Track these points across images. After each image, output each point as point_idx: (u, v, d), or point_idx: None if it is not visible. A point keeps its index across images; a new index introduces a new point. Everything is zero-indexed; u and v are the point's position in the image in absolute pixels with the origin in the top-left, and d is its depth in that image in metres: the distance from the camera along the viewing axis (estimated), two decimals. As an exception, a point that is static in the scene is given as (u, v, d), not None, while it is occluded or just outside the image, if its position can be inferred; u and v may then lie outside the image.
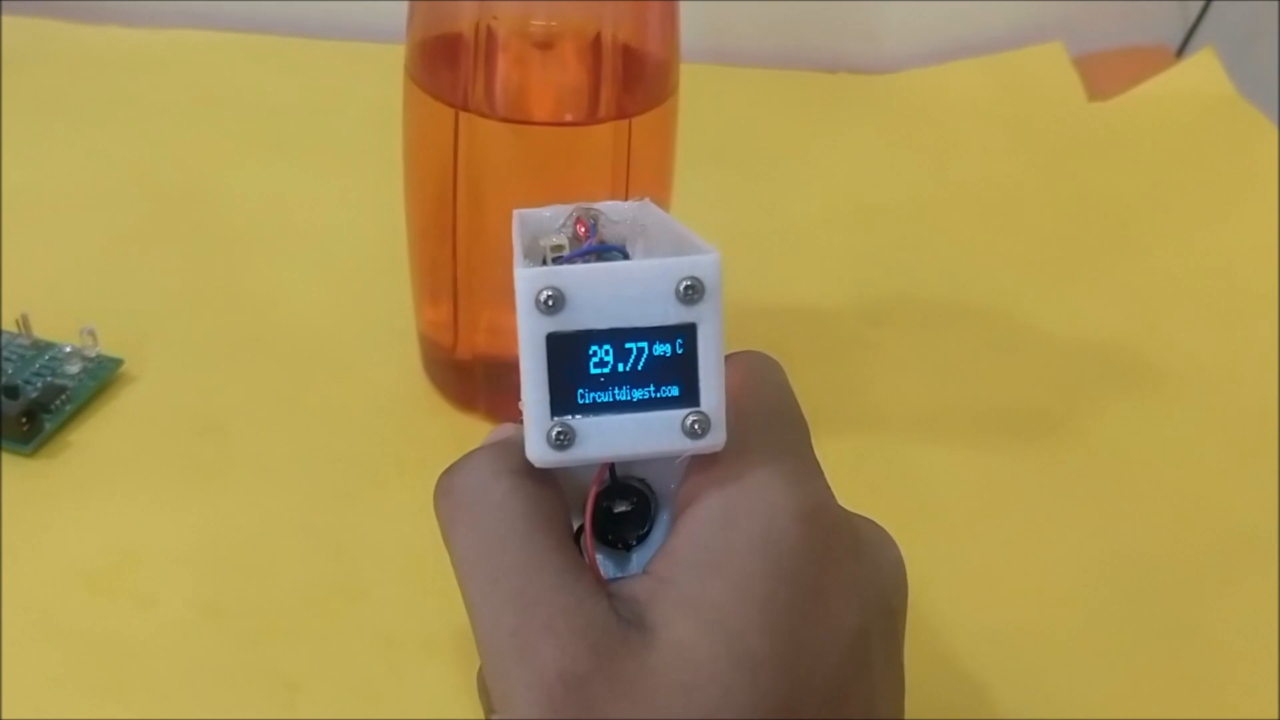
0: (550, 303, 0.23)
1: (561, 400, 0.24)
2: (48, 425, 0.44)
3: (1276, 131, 0.72)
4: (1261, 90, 0.75)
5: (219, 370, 0.49)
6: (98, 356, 0.47)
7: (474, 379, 0.47)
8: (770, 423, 0.26)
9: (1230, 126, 0.73)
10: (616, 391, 0.24)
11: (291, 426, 0.47)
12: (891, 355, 0.54)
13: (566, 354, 0.23)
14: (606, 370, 0.24)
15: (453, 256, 0.44)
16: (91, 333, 0.47)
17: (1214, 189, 0.68)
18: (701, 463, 0.25)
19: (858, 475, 0.46)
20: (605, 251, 0.27)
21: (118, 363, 0.48)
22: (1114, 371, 0.54)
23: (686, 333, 0.23)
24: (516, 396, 0.24)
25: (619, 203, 0.27)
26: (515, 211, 0.27)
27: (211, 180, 0.61)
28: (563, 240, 0.27)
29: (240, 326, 0.51)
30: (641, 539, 0.26)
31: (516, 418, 0.25)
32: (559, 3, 0.42)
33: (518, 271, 0.23)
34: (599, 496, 0.25)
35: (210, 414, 0.47)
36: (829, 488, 0.26)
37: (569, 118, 0.43)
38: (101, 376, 0.47)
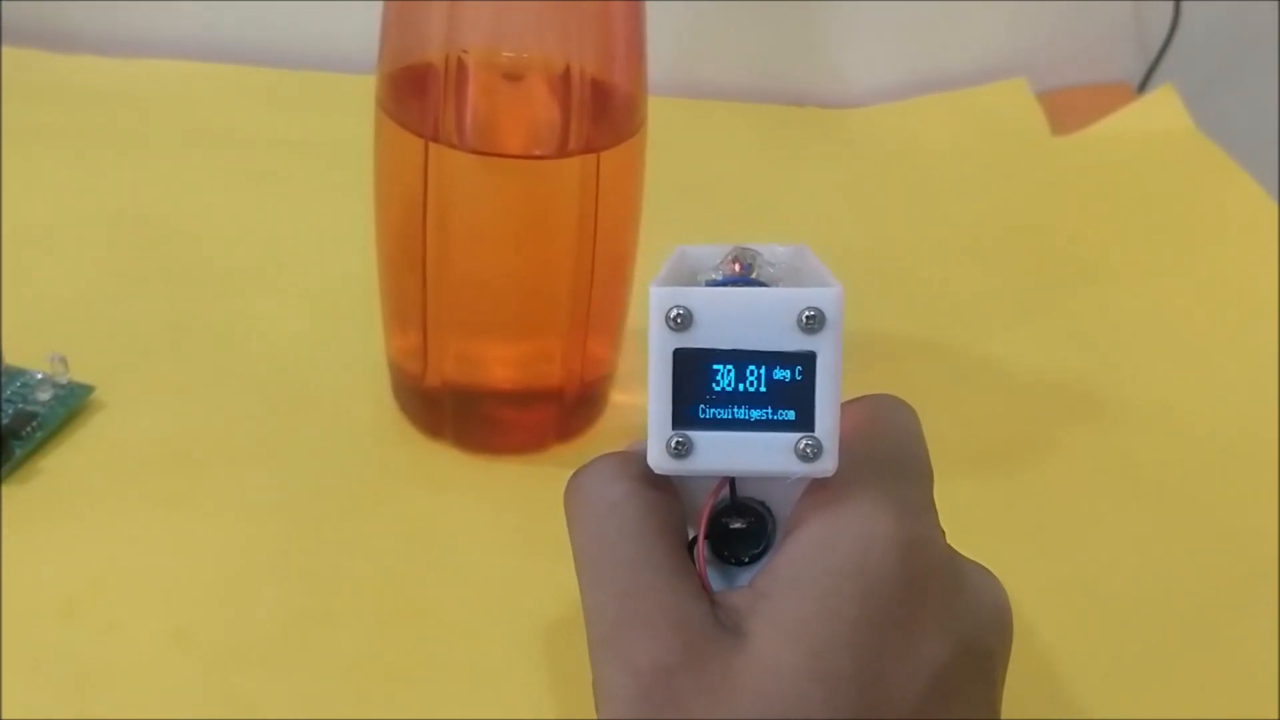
0: (679, 320, 0.25)
1: (683, 413, 0.25)
2: (18, 452, 0.45)
3: (1232, 165, 0.73)
4: (1218, 125, 0.77)
5: (189, 398, 0.49)
6: (69, 384, 0.47)
7: (442, 407, 0.47)
8: (888, 460, 0.27)
9: (1188, 161, 0.74)
10: (735, 410, 0.25)
11: (261, 454, 0.47)
12: (855, 389, 0.54)
13: (691, 370, 0.25)
14: (728, 389, 0.25)
15: (422, 285, 0.44)
16: (61, 360, 0.47)
17: (1173, 222, 0.70)
18: (814, 488, 0.26)
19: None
20: (748, 284, 0.28)
21: (88, 390, 0.48)
22: (1077, 405, 0.55)
23: (806, 360, 0.25)
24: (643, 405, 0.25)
25: (776, 246, 0.29)
26: (678, 247, 0.29)
27: (183, 209, 0.61)
28: (718, 277, 0.28)
29: (211, 354, 0.52)
30: (756, 558, 0.27)
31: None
32: (528, 34, 0.43)
33: (652, 289, 0.25)
34: (721, 513, 0.27)
35: (180, 441, 0.47)
36: (938, 527, 0.27)
37: (538, 151, 0.44)
38: (72, 404, 0.47)
